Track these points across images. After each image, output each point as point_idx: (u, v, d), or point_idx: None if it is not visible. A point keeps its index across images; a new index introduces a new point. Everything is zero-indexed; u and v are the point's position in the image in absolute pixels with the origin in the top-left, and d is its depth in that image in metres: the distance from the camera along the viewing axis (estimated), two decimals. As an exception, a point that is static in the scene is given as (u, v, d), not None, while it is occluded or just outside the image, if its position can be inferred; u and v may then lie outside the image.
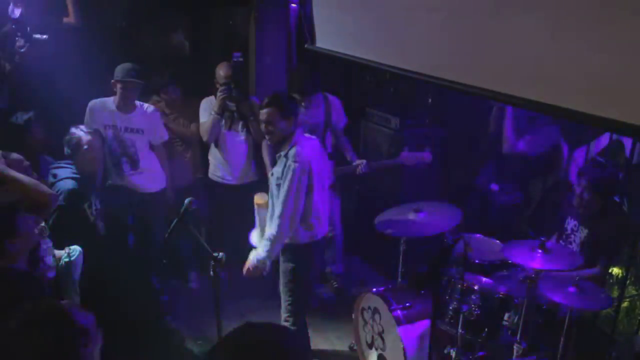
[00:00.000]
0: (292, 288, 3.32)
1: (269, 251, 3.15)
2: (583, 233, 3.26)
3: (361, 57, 2.80)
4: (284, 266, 3.34)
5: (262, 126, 3.20)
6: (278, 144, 3.19)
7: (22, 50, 3.82)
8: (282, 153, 3.15)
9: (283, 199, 3.09)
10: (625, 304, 3.65)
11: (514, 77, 2.00)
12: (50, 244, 2.64)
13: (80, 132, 3.46)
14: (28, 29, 3.90)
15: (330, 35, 3.07)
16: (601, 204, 3.14)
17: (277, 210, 3.11)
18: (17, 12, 3.83)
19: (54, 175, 3.36)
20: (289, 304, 3.36)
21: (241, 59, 3.94)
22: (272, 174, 3.24)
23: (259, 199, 3.43)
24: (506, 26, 1.94)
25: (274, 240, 3.14)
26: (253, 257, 3.21)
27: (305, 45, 3.19)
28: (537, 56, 1.88)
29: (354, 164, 4.10)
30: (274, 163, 3.32)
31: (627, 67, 1.57)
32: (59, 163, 3.46)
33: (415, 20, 2.37)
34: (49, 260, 2.65)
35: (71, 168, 3.41)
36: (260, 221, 3.46)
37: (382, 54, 2.72)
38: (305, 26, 3.31)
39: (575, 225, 3.32)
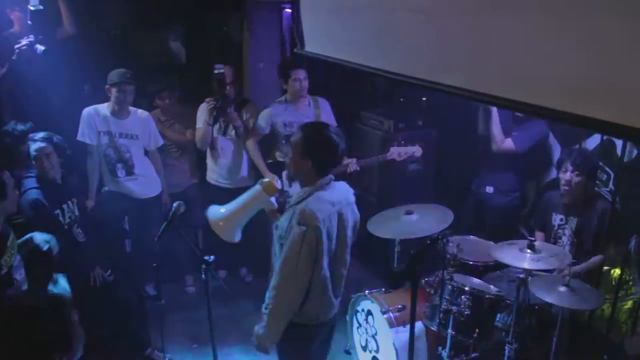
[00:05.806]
0: None
1: (267, 328, 2.45)
2: (572, 223, 3.33)
3: (348, 61, 2.78)
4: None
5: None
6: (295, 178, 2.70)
7: (13, 57, 3.78)
8: (294, 201, 2.48)
9: (280, 266, 2.41)
10: (628, 305, 3.59)
11: (496, 77, 1.99)
12: (19, 258, 2.63)
13: (30, 142, 3.33)
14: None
15: (319, 39, 3.06)
16: (586, 188, 3.28)
17: (274, 280, 2.44)
18: (41, 49, 3.72)
19: (22, 186, 3.25)
20: None
21: (222, 70, 3.93)
22: (276, 228, 2.52)
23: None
24: (486, 26, 1.94)
25: (269, 316, 2.43)
26: (255, 330, 2.54)
27: (295, 50, 3.18)
28: (519, 56, 1.86)
29: (344, 163, 4.08)
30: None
31: (611, 65, 1.55)
32: (27, 173, 3.34)
33: (399, 21, 2.37)
34: (21, 274, 2.64)
35: (35, 177, 3.32)
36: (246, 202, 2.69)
37: (368, 56, 2.70)
38: (295, 30, 3.30)
39: (561, 219, 3.38)
